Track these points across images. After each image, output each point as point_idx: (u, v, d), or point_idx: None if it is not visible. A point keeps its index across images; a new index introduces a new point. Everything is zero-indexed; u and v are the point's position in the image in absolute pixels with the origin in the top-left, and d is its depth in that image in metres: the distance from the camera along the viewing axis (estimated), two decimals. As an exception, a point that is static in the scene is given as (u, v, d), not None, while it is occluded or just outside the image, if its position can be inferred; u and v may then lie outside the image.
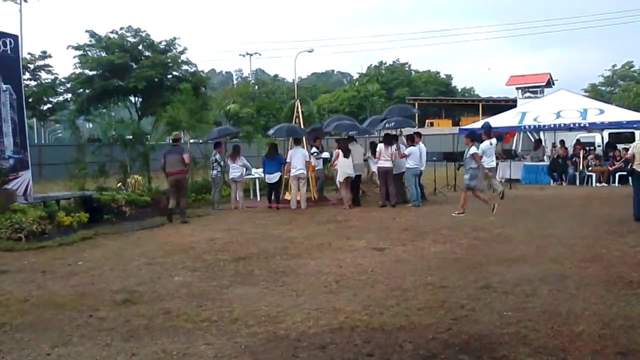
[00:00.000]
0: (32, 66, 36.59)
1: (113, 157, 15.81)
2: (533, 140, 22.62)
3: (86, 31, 37.97)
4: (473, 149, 11.51)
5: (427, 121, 52.51)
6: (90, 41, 37.82)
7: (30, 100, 32.44)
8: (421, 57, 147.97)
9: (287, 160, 13.58)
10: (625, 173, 16.87)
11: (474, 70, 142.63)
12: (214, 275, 6.61)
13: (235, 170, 13.84)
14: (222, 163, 13.89)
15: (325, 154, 15.43)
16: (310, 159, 14.05)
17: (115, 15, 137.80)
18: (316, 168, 14.69)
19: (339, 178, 13.33)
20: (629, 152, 11.51)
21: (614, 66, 65.01)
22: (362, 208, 13.00)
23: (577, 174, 17.83)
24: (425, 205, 12.94)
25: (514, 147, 21.63)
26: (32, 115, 38.83)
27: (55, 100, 39.63)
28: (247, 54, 64.41)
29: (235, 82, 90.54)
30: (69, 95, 40.32)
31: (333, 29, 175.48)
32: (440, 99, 60.35)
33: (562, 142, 19.58)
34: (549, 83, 44.58)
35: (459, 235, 8.79)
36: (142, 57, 38.25)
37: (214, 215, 12.53)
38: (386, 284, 5.98)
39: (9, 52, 11.22)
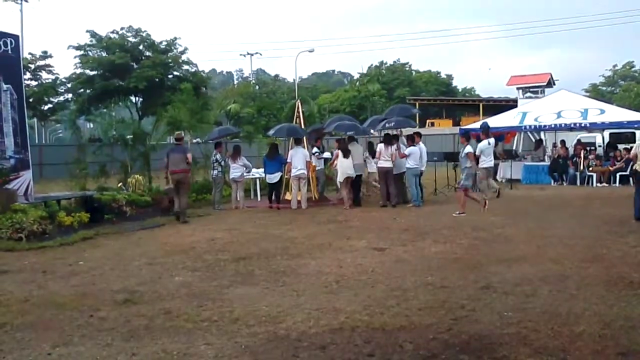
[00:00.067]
0: (32, 66, 36.64)
1: (114, 157, 15.82)
2: (534, 140, 22.62)
3: (87, 31, 38.08)
4: (468, 148, 11.55)
5: (427, 121, 52.53)
6: (91, 41, 37.86)
7: (31, 100, 32.47)
8: (422, 57, 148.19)
9: (288, 160, 13.58)
10: (626, 173, 16.89)
11: (474, 70, 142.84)
12: (215, 275, 6.62)
13: (236, 170, 13.85)
14: (222, 163, 13.89)
15: (327, 154, 15.43)
16: (311, 159, 14.05)
17: (115, 15, 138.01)
18: (317, 168, 14.69)
19: (339, 178, 13.33)
20: (632, 151, 11.52)
21: (614, 66, 65.10)
22: (363, 208, 13.00)
23: (578, 174, 17.82)
24: (426, 206, 12.94)
25: (514, 147, 21.64)
26: (33, 115, 38.87)
27: (56, 100, 39.69)
28: (248, 54, 64.59)
29: (235, 82, 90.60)
30: (70, 95, 40.38)
31: (333, 29, 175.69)
32: (441, 99, 60.36)
33: (563, 142, 19.57)
34: (550, 83, 44.55)
35: (460, 236, 8.79)
36: (143, 57, 38.29)
37: (214, 215, 12.53)
38: (387, 284, 5.99)
39: (9, 52, 11.22)
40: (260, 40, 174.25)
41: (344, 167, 13.08)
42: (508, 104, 41.27)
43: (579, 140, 20.51)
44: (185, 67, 40.14)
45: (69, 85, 39.37)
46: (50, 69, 38.66)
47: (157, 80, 37.44)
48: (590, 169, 17.83)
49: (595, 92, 58.48)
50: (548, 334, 4.33)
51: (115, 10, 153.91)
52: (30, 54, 36.81)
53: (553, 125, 18.50)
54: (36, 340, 4.50)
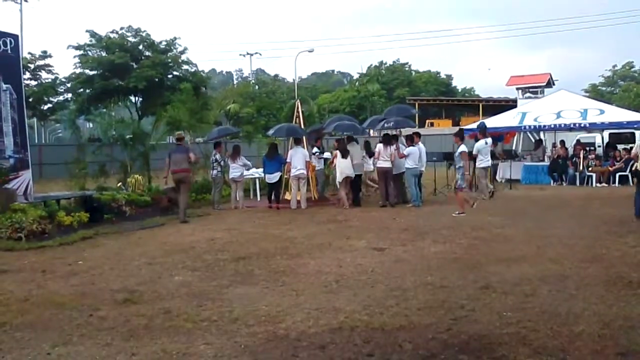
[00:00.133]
0: (32, 66, 36.66)
1: (113, 157, 15.83)
2: (533, 140, 22.62)
3: (86, 31, 38.12)
4: (462, 147, 11.56)
5: (427, 121, 52.52)
6: (91, 41, 37.87)
7: (30, 99, 32.50)
8: (421, 57, 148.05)
9: (287, 160, 13.58)
10: (625, 173, 16.90)
11: (474, 71, 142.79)
12: (214, 275, 6.62)
13: (236, 170, 13.85)
14: (222, 163, 13.89)
15: (327, 154, 15.44)
16: (311, 159, 14.06)
17: (115, 15, 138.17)
18: (317, 168, 14.69)
19: (338, 178, 13.33)
20: (633, 151, 11.53)
21: (614, 66, 65.07)
22: (362, 208, 13.00)
23: (577, 174, 17.82)
24: (425, 206, 12.94)
25: (514, 148, 21.62)
26: (33, 115, 38.90)
27: (55, 100, 39.73)
28: (248, 53, 64.69)
29: (235, 82, 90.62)
30: (69, 95, 40.42)
31: (333, 29, 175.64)
32: (441, 99, 60.35)
33: (563, 142, 19.57)
34: (549, 83, 44.60)
35: (459, 235, 8.79)
36: (143, 57, 38.30)
37: (214, 215, 12.53)
38: (386, 283, 5.99)
39: (9, 51, 11.22)
40: (260, 40, 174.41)
41: (342, 167, 13.08)
42: (508, 104, 41.29)
43: (578, 141, 20.52)
44: (185, 67, 40.19)
45: (69, 85, 39.39)
46: (50, 68, 38.77)
47: (156, 80, 37.45)
48: (590, 169, 17.83)
49: (594, 93, 58.47)
50: (547, 333, 4.34)
51: (115, 10, 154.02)
52: (29, 53, 36.90)
53: (552, 126, 18.52)
54: (36, 340, 4.50)
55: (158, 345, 4.31)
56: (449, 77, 76.79)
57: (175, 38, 39.81)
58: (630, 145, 18.26)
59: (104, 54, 37.90)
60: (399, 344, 4.22)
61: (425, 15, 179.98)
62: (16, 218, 9.48)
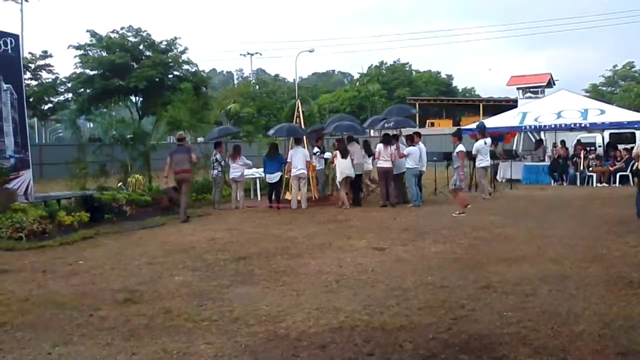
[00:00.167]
0: (33, 66, 36.65)
1: (114, 156, 15.84)
2: (534, 140, 22.61)
3: (87, 31, 38.07)
4: (459, 147, 11.59)
5: (427, 121, 52.55)
6: (91, 41, 37.85)
7: (31, 99, 32.49)
8: (422, 57, 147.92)
9: (288, 160, 13.58)
10: (626, 173, 16.90)
11: (474, 71, 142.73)
12: (215, 275, 6.62)
13: (236, 170, 13.84)
14: (222, 163, 13.90)
15: (328, 154, 15.44)
16: (311, 158, 14.06)
17: (116, 15, 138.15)
18: (318, 168, 14.69)
19: (338, 178, 13.33)
20: (634, 150, 11.52)
21: (614, 66, 65.07)
22: (363, 208, 13.00)
23: (578, 174, 17.81)
24: (426, 206, 12.93)
25: (514, 147, 21.62)
26: (33, 115, 38.89)
27: (56, 100, 39.70)
28: (248, 53, 64.49)
29: (236, 81, 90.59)
30: (70, 95, 40.39)
31: (334, 29, 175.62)
32: (441, 99, 60.38)
33: (563, 142, 19.56)
34: (550, 83, 44.59)
35: (459, 235, 8.79)
36: (143, 57, 38.28)
37: (214, 215, 12.54)
38: (386, 283, 5.99)
39: (9, 51, 11.23)
40: (260, 40, 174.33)
41: (342, 168, 13.08)
42: (508, 104, 41.30)
43: (579, 141, 20.50)
44: (186, 66, 40.15)
45: (69, 85, 39.37)
46: (51, 68, 38.74)
47: (157, 80, 37.43)
48: (590, 169, 17.82)
49: (595, 93, 58.47)
50: (548, 333, 4.34)
51: (115, 10, 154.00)
52: (30, 53, 36.88)
53: (553, 126, 18.51)
54: (36, 340, 4.50)
55: (158, 345, 4.31)
56: (450, 77, 76.85)
57: (175, 38, 39.81)
58: (631, 145, 18.26)
59: (104, 53, 37.89)
60: (400, 344, 4.22)
61: (426, 15, 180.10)
62: (17, 218, 9.50)
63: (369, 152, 14.19)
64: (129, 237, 9.65)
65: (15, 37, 11.64)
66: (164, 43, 39.36)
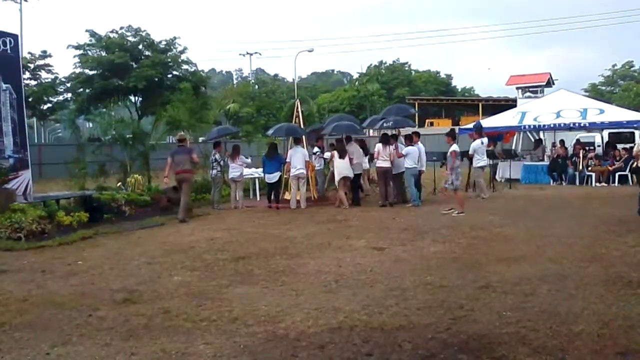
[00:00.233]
0: (32, 65, 36.62)
1: (113, 156, 15.83)
2: (533, 140, 22.62)
3: (86, 31, 38.04)
4: (453, 147, 11.60)
5: (427, 121, 52.56)
6: (91, 41, 37.82)
7: (30, 99, 32.46)
8: (421, 56, 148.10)
9: (287, 160, 13.58)
10: (625, 173, 16.91)
11: (473, 70, 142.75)
12: (214, 275, 6.62)
13: (235, 169, 13.84)
14: (221, 163, 13.89)
15: (328, 154, 15.44)
16: (311, 158, 14.06)
17: (115, 15, 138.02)
18: (317, 168, 14.69)
19: (336, 178, 13.33)
20: (635, 149, 11.53)
21: (614, 66, 65.09)
22: (362, 208, 12.99)
23: (577, 173, 17.81)
24: (425, 205, 12.93)
25: (513, 147, 21.63)
26: (32, 115, 38.87)
27: (55, 100, 39.67)
28: (247, 53, 64.66)
29: (235, 81, 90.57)
30: (69, 95, 40.35)
31: (333, 28, 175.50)
32: (440, 99, 60.41)
33: (562, 141, 19.56)
34: (549, 83, 44.61)
35: (458, 235, 8.79)
36: (142, 57, 38.25)
37: (213, 215, 12.53)
38: (385, 283, 5.99)
39: (8, 51, 11.22)
40: (259, 39, 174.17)
41: (340, 168, 13.08)
42: (507, 104, 41.33)
43: (578, 140, 20.52)
44: (185, 66, 40.11)
45: (68, 85, 39.33)
46: (50, 68, 38.69)
47: (156, 79, 37.41)
48: (590, 168, 17.82)
49: (594, 92, 58.50)
50: (547, 333, 4.34)
51: (114, 10, 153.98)
52: (29, 53, 36.85)
53: (552, 125, 18.50)
54: (35, 340, 4.50)
55: (157, 345, 4.31)
56: (449, 76, 76.86)
57: (175, 38, 39.75)
58: (630, 144, 18.28)
59: (103, 53, 37.85)
60: (398, 344, 4.22)
61: (425, 14, 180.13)
62: (16, 218, 9.49)
63: (365, 152, 14.19)
64: (128, 237, 9.64)
65: (15, 37, 11.63)
66: (163, 43, 39.33)
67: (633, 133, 20.94)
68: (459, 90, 76.55)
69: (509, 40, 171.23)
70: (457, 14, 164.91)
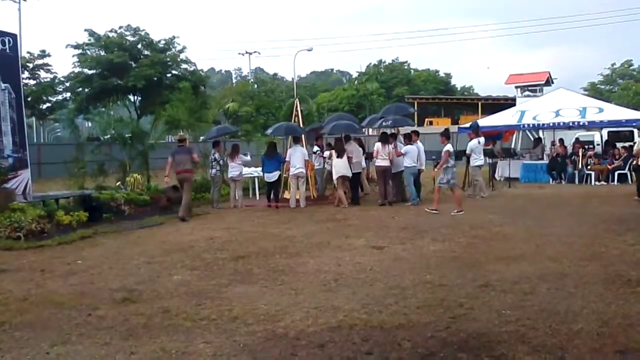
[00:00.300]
0: (31, 65, 36.55)
1: (112, 156, 15.82)
2: (532, 138, 22.62)
3: (85, 30, 37.98)
4: (446, 147, 11.62)
5: (426, 120, 52.59)
6: (89, 40, 37.78)
7: (29, 99, 32.40)
8: (420, 55, 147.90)
9: (287, 159, 13.57)
10: (624, 172, 16.92)
11: (473, 69, 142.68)
12: (213, 274, 6.62)
13: (234, 169, 13.83)
14: (221, 162, 13.89)
15: (327, 154, 15.43)
16: (310, 158, 14.05)
17: (114, 14, 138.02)
18: (317, 167, 14.68)
19: (334, 177, 13.33)
20: (636, 147, 11.54)
21: (613, 65, 65.19)
22: (361, 207, 12.99)
23: (576, 172, 17.82)
24: (424, 204, 12.90)
25: (513, 146, 21.64)
26: (31, 114, 38.83)
27: (54, 99, 39.62)
28: (247, 52, 64.30)
29: (234, 80, 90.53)
30: (68, 94, 40.29)
31: (332, 27, 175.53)
32: (440, 98, 60.48)
33: (562, 140, 19.56)
34: (548, 82, 44.60)
35: (458, 234, 8.80)
36: (141, 56, 38.22)
37: (213, 214, 12.53)
38: (385, 282, 5.99)
39: (7, 51, 11.21)
40: (259, 39, 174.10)
41: (337, 167, 13.08)
42: (506, 103, 41.39)
43: (577, 139, 20.51)
44: (184, 66, 40.06)
45: (68, 84, 39.27)
46: (49, 67, 38.58)
47: (155, 79, 37.38)
48: (589, 167, 17.82)
49: (593, 91, 58.56)
50: (546, 331, 4.34)
51: (113, 9, 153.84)
52: (28, 52, 36.81)
53: (551, 124, 18.50)
54: (35, 339, 4.50)
55: (157, 344, 4.31)
56: (448, 75, 76.89)
57: (174, 37, 39.68)
58: (629, 143, 18.29)
59: (102, 53, 37.81)
60: (398, 343, 4.22)
61: (425, 13, 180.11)
62: (15, 217, 9.48)
63: (362, 151, 14.21)
64: (127, 237, 9.64)
65: (13, 37, 11.61)
66: (162, 42, 39.29)
67: (632, 132, 20.93)
68: (458, 89, 76.60)
69: (509, 39, 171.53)
70: (456, 13, 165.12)
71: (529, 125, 19.00)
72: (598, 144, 21.69)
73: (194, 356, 4.08)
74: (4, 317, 5.05)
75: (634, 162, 10.65)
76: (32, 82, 37.10)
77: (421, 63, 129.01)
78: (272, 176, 13.65)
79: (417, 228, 9.55)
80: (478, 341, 4.19)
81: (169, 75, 39.26)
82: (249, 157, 14.74)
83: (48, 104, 39.43)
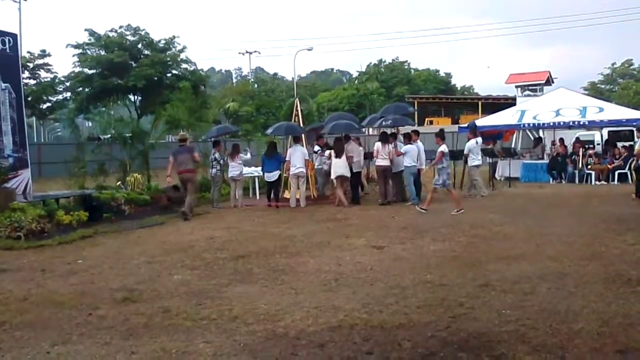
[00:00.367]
0: (31, 65, 36.55)
1: (112, 155, 15.82)
2: (532, 138, 22.61)
3: (85, 30, 38.05)
4: (441, 148, 11.64)
5: (426, 119, 52.59)
6: (90, 40, 37.81)
7: (29, 99, 32.40)
8: (420, 55, 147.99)
9: (287, 158, 13.57)
10: (624, 171, 16.91)
11: (473, 69, 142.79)
12: (213, 274, 6.62)
13: (235, 168, 13.83)
14: (221, 162, 13.90)
15: (327, 153, 15.43)
16: (311, 157, 14.04)
17: (114, 14, 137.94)
18: (317, 166, 14.68)
19: (332, 177, 13.34)
20: (637, 147, 11.53)
21: (613, 64, 65.18)
22: (362, 206, 12.98)
23: (577, 172, 17.81)
24: (424, 204, 12.91)
25: (513, 145, 21.63)
26: (32, 114, 38.84)
27: (54, 99, 39.63)
28: (247, 52, 64.23)
29: (234, 80, 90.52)
30: (69, 94, 40.32)
31: (332, 27, 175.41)
32: (440, 97, 60.50)
33: (562, 140, 19.55)
34: (549, 81, 44.63)
35: (458, 233, 8.79)
36: (142, 56, 38.25)
37: (213, 214, 12.53)
38: (385, 282, 5.99)
39: (8, 50, 11.21)
40: (259, 38, 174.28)
41: (336, 167, 13.08)
42: (507, 102, 41.40)
43: (577, 139, 20.51)
44: (184, 65, 40.10)
45: (68, 84, 39.30)
46: (49, 67, 38.59)
47: (155, 78, 37.41)
48: (589, 167, 17.82)
49: (594, 90, 58.55)
50: (546, 331, 4.34)
51: (113, 9, 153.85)
52: (28, 52, 36.82)
53: (552, 123, 18.49)
54: (35, 339, 4.50)
55: (157, 344, 4.31)
56: (448, 75, 76.96)
57: (174, 37, 39.73)
58: (629, 142, 18.28)
59: (103, 52, 37.85)
60: (398, 342, 4.22)
61: (425, 13, 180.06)
62: (15, 217, 9.48)
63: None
64: (127, 236, 9.64)
65: (14, 36, 11.62)
66: (163, 42, 39.32)
67: (632, 131, 20.90)
68: (459, 88, 76.64)
69: (509, 38, 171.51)
70: (456, 12, 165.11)
71: (529, 124, 18.99)
72: (598, 144, 21.68)
73: (194, 356, 4.08)
74: (4, 317, 5.05)
75: (635, 162, 10.64)
76: (32, 81, 37.11)
77: (421, 62, 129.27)
78: (272, 176, 13.66)
79: (417, 228, 9.55)
80: (478, 341, 4.19)
81: (169, 75, 39.29)
82: (249, 156, 14.74)
83: (48, 104, 39.45)
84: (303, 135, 14.64)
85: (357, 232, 9.34)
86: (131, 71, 36.85)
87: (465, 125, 19.03)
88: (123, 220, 11.36)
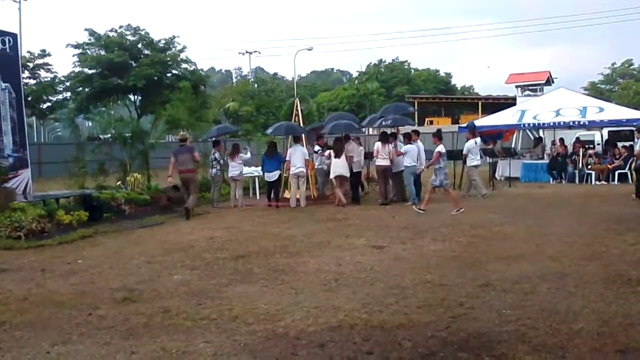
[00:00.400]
0: (31, 65, 36.56)
1: (112, 155, 15.82)
2: (532, 138, 22.62)
3: (85, 29, 38.07)
4: (438, 148, 11.65)
5: (426, 119, 52.58)
6: (90, 40, 37.82)
7: (29, 98, 32.41)
8: (421, 55, 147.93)
9: (287, 158, 13.58)
10: (624, 171, 16.91)
11: (473, 69, 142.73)
12: (214, 274, 6.62)
13: (235, 168, 13.84)
14: (221, 161, 13.90)
15: (327, 153, 15.43)
16: (311, 157, 14.04)
17: (114, 14, 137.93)
18: (317, 166, 14.68)
19: (331, 177, 13.34)
20: (637, 148, 11.53)
21: (613, 64, 65.10)
22: (362, 206, 12.99)
23: (577, 172, 17.82)
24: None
25: (513, 145, 21.64)
26: (32, 114, 38.85)
27: (54, 99, 39.65)
28: (247, 52, 64.19)
29: (234, 80, 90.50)
30: (69, 94, 40.33)
31: (332, 27, 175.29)
32: (440, 97, 60.49)
33: (562, 140, 19.56)
34: (549, 81, 44.65)
35: (458, 233, 8.79)
36: (142, 56, 38.26)
37: (213, 214, 12.53)
38: (385, 282, 5.99)
39: (8, 50, 11.21)
40: (259, 38, 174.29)
41: (335, 167, 13.08)
42: (507, 102, 41.40)
43: (577, 139, 20.52)
44: (184, 65, 40.10)
45: (68, 84, 39.30)
46: (49, 67, 38.61)
47: (155, 78, 37.41)
48: (589, 167, 17.82)
49: (594, 90, 58.52)
50: (547, 331, 4.34)
51: (114, 9, 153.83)
52: (28, 52, 36.82)
53: (552, 123, 18.49)
54: (35, 339, 4.50)
55: (157, 344, 4.31)
56: (448, 75, 76.93)
57: (174, 36, 39.73)
58: (630, 142, 18.27)
59: (103, 52, 37.85)
60: (399, 342, 4.22)
61: (425, 13, 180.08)
62: (15, 217, 9.48)
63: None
64: (127, 236, 9.64)
65: (14, 36, 11.62)
66: (163, 42, 39.33)
67: (632, 131, 20.90)
68: (459, 88, 76.62)
69: (509, 38, 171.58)
70: (456, 12, 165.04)
71: (529, 124, 18.99)
72: (598, 144, 21.69)
73: (194, 356, 4.08)
74: (4, 317, 5.05)
75: (635, 162, 10.65)
76: (32, 81, 37.12)
77: (421, 62, 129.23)
78: (273, 176, 13.66)
79: (417, 228, 9.55)
80: (478, 341, 4.19)
81: (169, 74, 39.30)
82: (249, 155, 14.75)
83: (48, 104, 39.47)
84: (303, 135, 14.63)
85: (357, 232, 9.34)
86: (131, 71, 36.86)
87: (465, 125, 19.04)
88: (123, 220, 11.36)
